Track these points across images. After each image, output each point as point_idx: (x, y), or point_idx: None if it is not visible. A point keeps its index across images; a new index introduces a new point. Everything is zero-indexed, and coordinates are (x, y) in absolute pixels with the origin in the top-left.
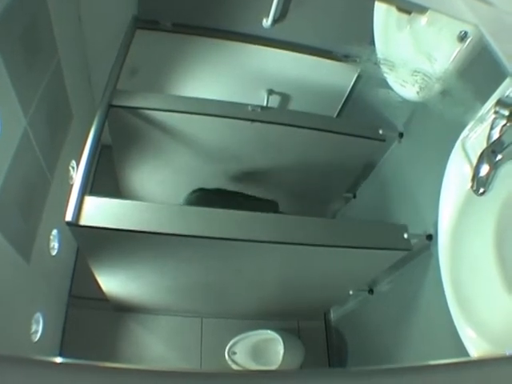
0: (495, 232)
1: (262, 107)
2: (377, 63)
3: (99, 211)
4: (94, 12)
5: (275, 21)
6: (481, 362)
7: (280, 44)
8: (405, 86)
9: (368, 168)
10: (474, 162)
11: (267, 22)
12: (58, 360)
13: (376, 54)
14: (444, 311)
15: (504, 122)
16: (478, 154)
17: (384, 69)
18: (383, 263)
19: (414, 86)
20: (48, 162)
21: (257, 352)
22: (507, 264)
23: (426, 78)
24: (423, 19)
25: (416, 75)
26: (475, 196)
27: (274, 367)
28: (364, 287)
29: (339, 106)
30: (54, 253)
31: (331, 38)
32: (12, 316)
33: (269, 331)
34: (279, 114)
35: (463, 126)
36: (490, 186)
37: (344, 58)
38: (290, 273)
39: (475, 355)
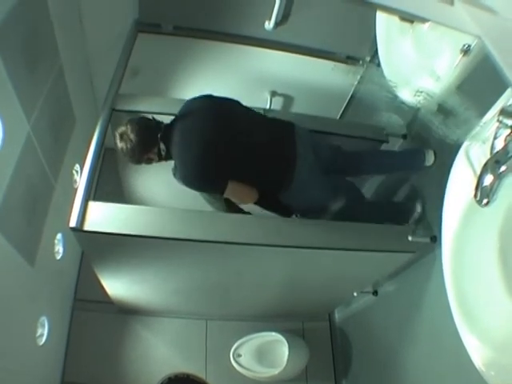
0: (499, 239)
1: (265, 109)
2: (380, 65)
3: (103, 216)
4: (96, 17)
5: (277, 23)
6: None
7: (282, 46)
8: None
9: None
10: (478, 170)
11: (269, 25)
12: None
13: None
14: (447, 313)
15: (508, 131)
16: (482, 162)
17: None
18: (388, 266)
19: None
20: (52, 166)
21: (262, 354)
22: (510, 270)
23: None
24: (426, 24)
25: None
26: None
27: (279, 369)
28: (368, 289)
29: (342, 107)
30: (58, 257)
31: (333, 40)
32: (17, 320)
33: (273, 333)
34: (282, 115)
35: (466, 132)
36: (494, 197)
37: (347, 59)
38: (295, 275)
39: (478, 361)
